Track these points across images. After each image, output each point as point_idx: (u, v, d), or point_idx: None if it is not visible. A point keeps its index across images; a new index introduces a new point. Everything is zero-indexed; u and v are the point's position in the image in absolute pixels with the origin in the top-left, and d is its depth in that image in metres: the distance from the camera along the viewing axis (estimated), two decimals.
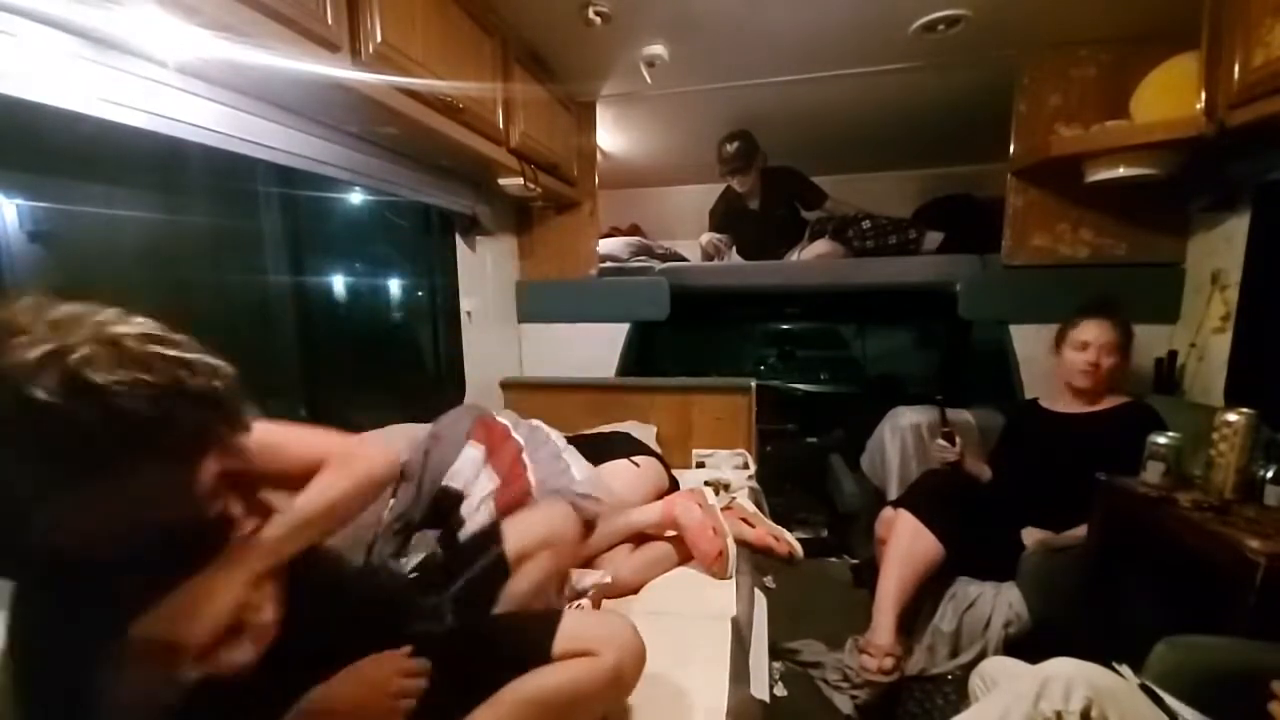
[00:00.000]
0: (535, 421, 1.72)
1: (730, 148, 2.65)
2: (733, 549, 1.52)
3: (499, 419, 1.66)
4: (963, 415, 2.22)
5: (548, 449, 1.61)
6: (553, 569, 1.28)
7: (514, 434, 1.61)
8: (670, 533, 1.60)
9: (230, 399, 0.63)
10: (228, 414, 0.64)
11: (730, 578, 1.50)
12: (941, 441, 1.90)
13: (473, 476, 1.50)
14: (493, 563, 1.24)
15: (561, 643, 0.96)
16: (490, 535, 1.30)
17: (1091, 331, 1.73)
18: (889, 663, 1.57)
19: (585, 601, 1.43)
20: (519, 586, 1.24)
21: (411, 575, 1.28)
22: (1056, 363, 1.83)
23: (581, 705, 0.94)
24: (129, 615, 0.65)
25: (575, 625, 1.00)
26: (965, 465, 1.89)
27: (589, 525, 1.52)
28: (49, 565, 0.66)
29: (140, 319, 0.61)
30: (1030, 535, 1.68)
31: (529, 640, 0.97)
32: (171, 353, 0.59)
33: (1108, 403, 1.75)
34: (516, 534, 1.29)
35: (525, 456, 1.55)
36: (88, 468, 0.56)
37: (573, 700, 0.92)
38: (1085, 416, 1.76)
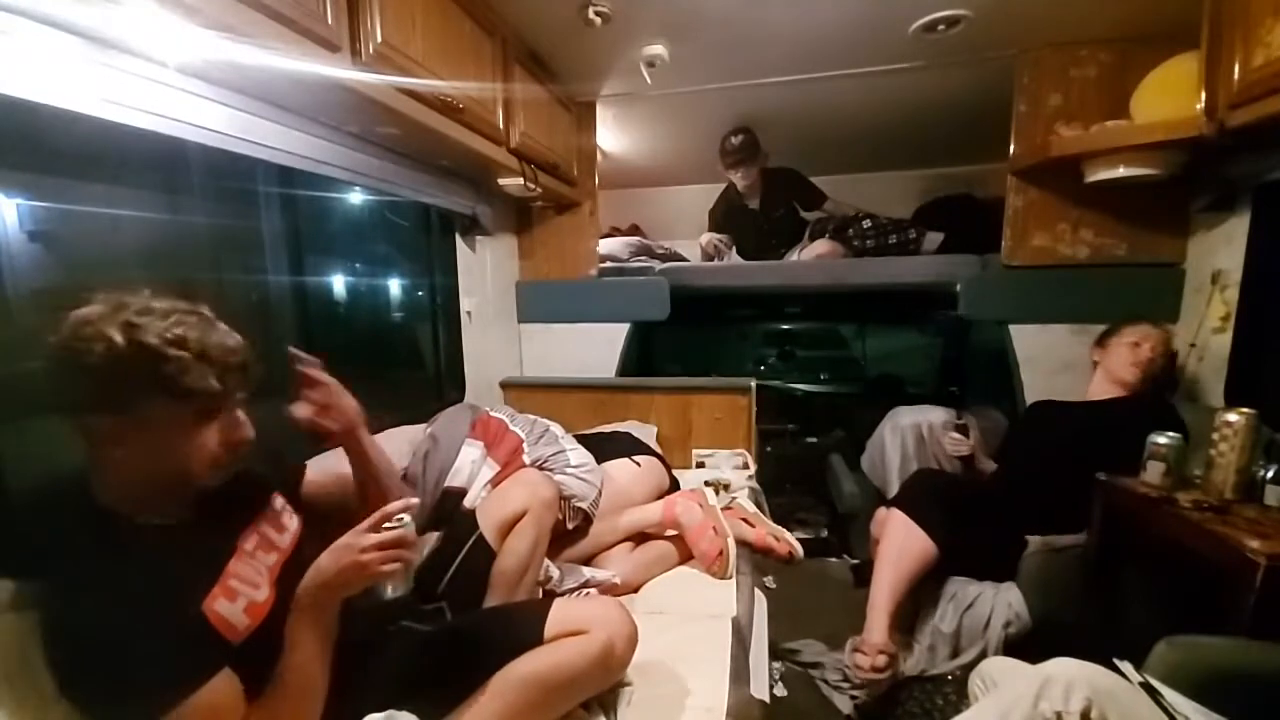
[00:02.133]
0: (533, 415, 1.73)
1: (735, 140, 2.65)
2: (733, 549, 1.52)
3: (495, 414, 1.66)
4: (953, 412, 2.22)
5: (546, 438, 1.62)
6: (535, 536, 1.28)
7: (512, 427, 1.62)
8: (670, 532, 1.60)
9: (229, 371, 0.77)
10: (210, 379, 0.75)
11: (730, 578, 1.50)
12: (955, 435, 1.91)
13: (474, 472, 1.50)
14: (475, 547, 1.25)
15: (553, 626, 0.99)
16: (467, 522, 1.31)
17: (1145, 333, 1.82)
18: (882, 660, 1.57)
19: (592, 592, 1.44)
20: (506, 563, 1.25)
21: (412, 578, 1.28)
22: (1098, 360, 1.88)
23: (575, 682, 0.96)
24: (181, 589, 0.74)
25: (565, 609, 1.03)
26: (976, 460, 1.89)
27: (586, 520, 1.53)
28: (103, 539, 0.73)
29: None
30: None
31: (521, 626, 1.00)
32: (193, 324, 0.75)
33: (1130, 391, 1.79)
34: (493, 510, 1.30)
35: (525, 445, 1.56)
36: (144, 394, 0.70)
37: (566, 677, 0.94)
38: (1108, 402, 1.79)
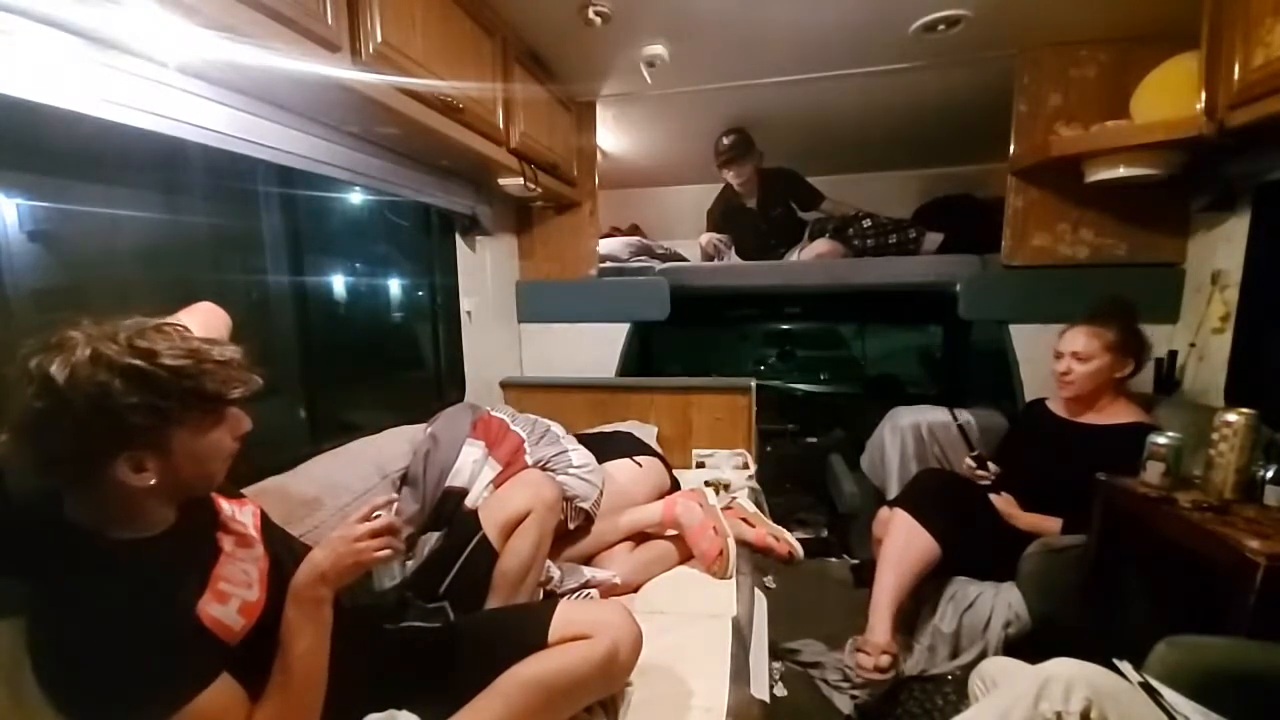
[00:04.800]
0: (534, 415, 1.73)
1: (726, 140, 2.68)
2: (733, 548, 1.52)
3: (496, 414, 1.67)
4: (963, 415, 2.22)
5: (548, 438, 1.62)
6: (538, 537, 1.29)
7: (513, 427, 1.62)
8: (670, 532, 1.60)
9: (242, 368, 0.78)
10: (242, 379, 0.77)
11: (730, 578, 1.50)
12: (970, 463, 1.89)
13: (475, 473, 1.50)
14: (477, 548, 1.25)
15: (557, 629, 0.99)
16: (469, 523, 1.30)
17: (1066, 340, 1.74)
18: (885, 660, 1.57)
19: (593, 592, 1.44)
20: (509, 564, 1.25)
21: (412, 577, 1.28)
22: None
23: (579, 686, 0.96)
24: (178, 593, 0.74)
25: (570, 611, 1.03)
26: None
27: (588, 520, 1.53)
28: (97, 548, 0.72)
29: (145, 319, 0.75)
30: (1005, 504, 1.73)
31: (525, 629, 1.00)
32: (191, 335, 0.75)
33: (1114, 416, 1.70)
34: (496, 511, 1.30)
35: (526, 445, 1.56)
36: (155, 419, 0.69)
37: (570, 681, 0.94)
38: (1088, 428, 1.73)
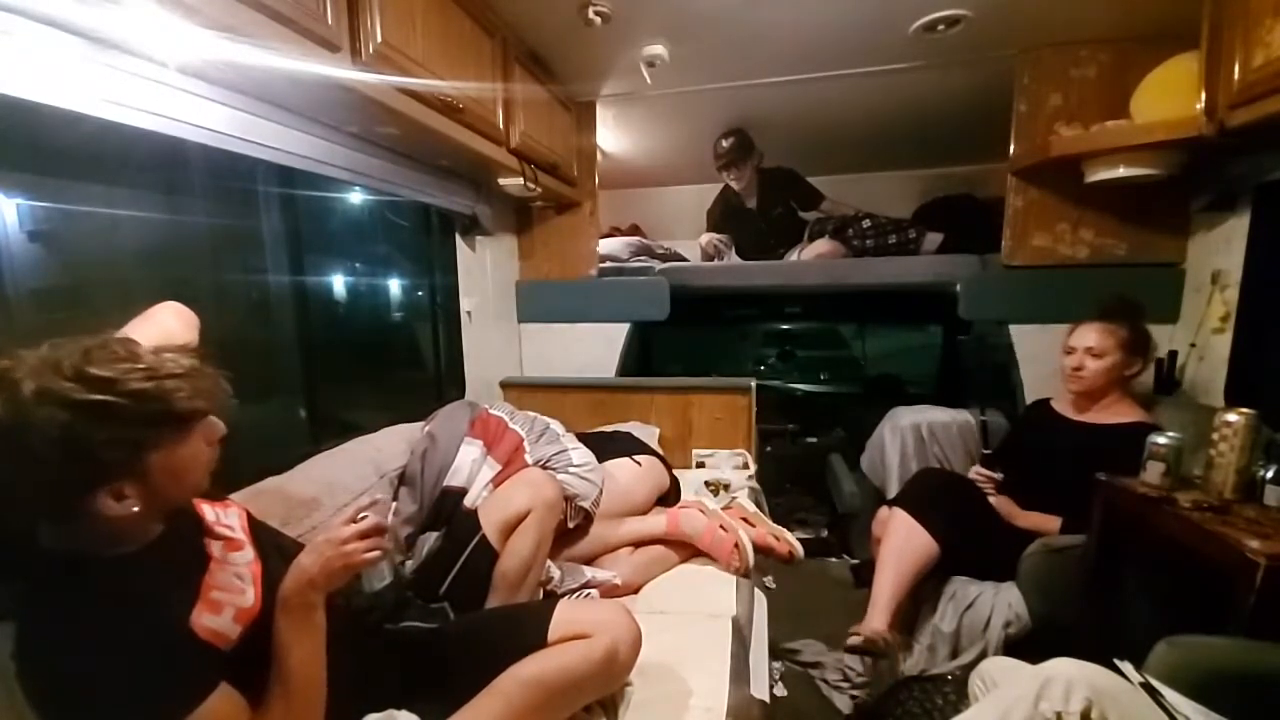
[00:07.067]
0: (532, 413, 1.73)
1: (725, 143, 2.69)
2: (747, 541, 1.53)
3: (494, 411, 1.66)
4: (962, 415, 2.22)
5: (547, 436, 1.62)
6: (539, 537, 1.28)
7: (511, 425, 1.62)
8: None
9: (205, 376, 0.74)
10: (208, 388, 0.73)
11: (749, 576, 1.50)
12: (980, 467, 1.88)
13: (474, 472, 1.50)
14: (477, 548, 1.25)
15: (557, 628, 0.99)
16: (469, 523, 1.30)
17: (1078, 336, 1.73)
18: (875, 635, 1.56)
19: (594, 592, 1.44)
20: (509, 564, 1.25)
21: (412, 578, 1.29)
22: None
23: (578, 685, 0.96)
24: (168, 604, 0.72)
25: (569, 611, 1.03)
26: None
27: (587, 519, 1.53)
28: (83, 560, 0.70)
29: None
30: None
31: (525, 628, 1.00)
32: (141, 350, 0.70)
33: (1116, 416, 1.70)
34: (495, 510, 1.30)
35: (525, 443, 1.56)
36: (122, 442, 0.66)
37: (569, 680, 0.94)
38: (1092, 427, 1.72)
